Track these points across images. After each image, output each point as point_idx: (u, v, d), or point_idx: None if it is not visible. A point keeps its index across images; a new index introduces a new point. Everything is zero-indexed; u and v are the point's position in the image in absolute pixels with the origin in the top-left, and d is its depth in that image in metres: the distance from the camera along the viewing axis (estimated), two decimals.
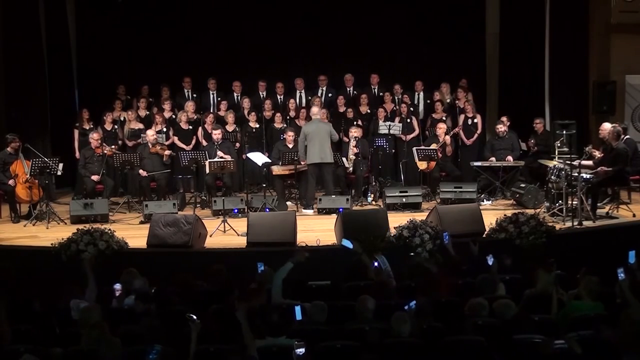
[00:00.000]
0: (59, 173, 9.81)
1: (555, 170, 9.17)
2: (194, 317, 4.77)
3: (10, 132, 10.08)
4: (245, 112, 11.47)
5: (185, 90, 12.04)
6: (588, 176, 8.87)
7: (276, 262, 6.36)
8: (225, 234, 8.73)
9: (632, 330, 4.47)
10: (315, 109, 10.39)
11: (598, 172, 8.95)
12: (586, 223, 8.65)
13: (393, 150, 11.46)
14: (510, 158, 10.73)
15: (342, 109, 11.70)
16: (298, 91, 12.12)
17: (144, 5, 12.24)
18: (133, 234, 8.34)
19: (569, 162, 8.78)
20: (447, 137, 10.86)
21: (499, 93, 12.76)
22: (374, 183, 10.87)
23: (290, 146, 10.46)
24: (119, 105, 11.56)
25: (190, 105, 11.42)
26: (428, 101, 12.04)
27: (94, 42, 12.31)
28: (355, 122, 11.23)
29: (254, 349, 4.75)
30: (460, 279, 6.51)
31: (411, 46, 12.56)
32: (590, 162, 9.26)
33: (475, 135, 11.40)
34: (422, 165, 10.64)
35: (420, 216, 8.23)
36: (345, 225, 7.82)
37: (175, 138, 11.15)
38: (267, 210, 9.48)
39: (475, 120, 11.44)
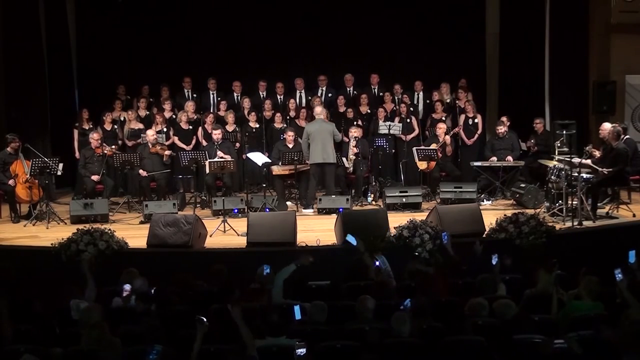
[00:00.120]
0: (59, 173, 9.81)
1: (555, 170, 9.17)
2: (204, 319, 4.76)
3: (10, 132, 10.07)
4: (245, 112, 11.48)
5: (185, 90, 12.04)
6: (588, 176, 8.87)
7: (276, 262, 6.36)
8: (225, 234, 8.73)
9: (632, 330, 4.47)
10: (318, 109, 10.38)
11: (598, 173, 8.95)
12: (586, 223, 8.65)
13: (393, 150, 11.47)
14: (510, 158, 10.73)
15: (342, 109, 11.70)
16: (298, 91, 12.12)
17: (144, 5, 12.24)
18: (133, 234, 8.34)
19: (568, 159, 8.78)
20: (447, 137, 10.86)
21: (499, 93, 12.76)
22: (374, 183, 10.87)
23: (290, 146, 10.46)
24: (119, 105, 11.57)
25: (190, 105, 11.43)
26: (427, 101, 12.04)
27: (94, 42, 12.31)
28: (355, 122, 11.23)
29: (254, 349, 4.75)
30: (460, 279, 6.51)
31: (411, 46, 12.56)
32: (589, 162, 9.26)
33: (476, 136, 11.40)
34: (422, 165, 10.64)
35: (420, 216, 8.23)
36: (345, 225, 7.81)
37: (176, 138, 11.15)
38: (267, 210, 9.48)
39: (476, 121, 11.45)
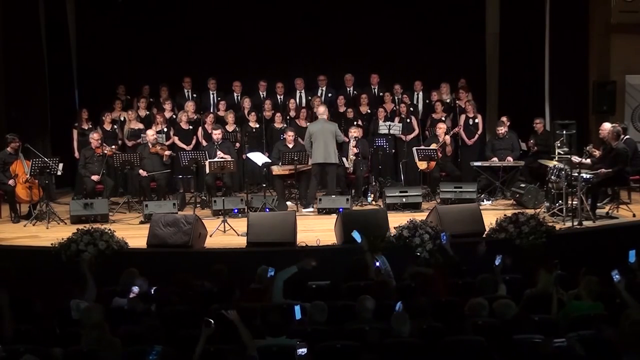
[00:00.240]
0: (59, 173, 9.81)
1: (555, 170, 9.17)
2: (212, 321, 4.75)
3: (10, 132, 10.07)
4: (246, 112, 11.48)
5: (185, 90, 12.05)
6: (588, 176, 8.87)
7: (276, 262, 6.36)
8: (225, 234, 8.73)
9: (632, 330, 4.47)
10: (321, 109, 10.39)
11: (598, 173, 8.95)
12: (586, 223, 8.65)
13: (393, 150, 11.47)
14: (510, 158, 10.73)
15: (342, 109, 11.70)
16: (298, 91, 12.12)
17: (144, 5, 12.23)
18: (133, 234, 8.34)
19: (567, 158, 8.80)
20: (447, 137, 10.86)
21: (499, 93, 12.76)
22: (374, 183, 10.87)
23: (290, 146, 10.46)
24: (118, 105, 11.57)
25: (190, 105, 11.43)
26: (427, 101, 12.05)
27: (94, 42, 12.31)
28: (355, 122, 11.23)
29: (254, 349, 4.75)
30: (460, 279, 6.52)
31: (411, 46, 12.56)
32: (588, 161, 9.27)
33: (476, 136, 11.40)
34: (422, 165, 10.64)
35: (420, 216, 8.23)
36: (345, 225, 7.81)
37: (176, 138, 11.15)
38: (267, 210, 9.48)
39: (477, 121, 11.45)
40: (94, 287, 6.28)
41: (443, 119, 11.43)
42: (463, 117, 11.48)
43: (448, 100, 11.92)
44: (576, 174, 8.67)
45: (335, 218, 8.41)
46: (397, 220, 8.01)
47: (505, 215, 8.03)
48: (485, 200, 10.44)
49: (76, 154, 11.01)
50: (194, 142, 11.24)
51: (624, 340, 4.53)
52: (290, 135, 10.54)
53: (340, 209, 9.30)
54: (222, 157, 10.15)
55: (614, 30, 11.67)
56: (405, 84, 12.13)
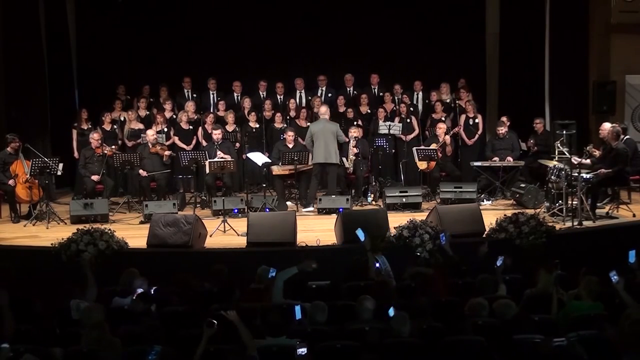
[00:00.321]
0: (59, 173, 9.81)
1: (555, 170, 9.17)
2: (215, 322, 4.75)
3: (10, 132, 10.08)
4: (246, 112, 11.48)
5: (185, 90, 12.05)
6: (588, 176, 8.87)
7: (276, 262, 6.36)
8: (225, 234, 8.73)
9: (632, 330, 4.47)
10: (323, 109, 10.40)
11: (598, 173, 8.95)
12: (586, 223, 8.65)
13: (393, 150, 11.48)
14: (510, 158, 10.73)
15: (342, 109, 11.71)
16: (298, 91, 12.13)
17: (144, 5, 12.23)
18: (133, 234, 8.34)
19: (567, 158, 8.79)
20: (447, 137, 10.86)
21: (499, 93, 12.76)
22: (374, 183, 10.87)
23: (290, 146, 10.46)
24: (118, 105, 11.57)
25: (190, 105, 11.43)
26: (427, 101, 12.05)
27: (94, 42, 12.31)
28: (355, 122, 11.23)
29: (254, 349, 4.75)
30: (460, 279, 6.52)
31: (411, 46, 12.56)
32: (588, 162, 9.27)
33: (476, 136, 11.41)
34: (422, 165, 10.64)
35: (420, 216, 8.23)
36: (345, 225, 7.82)
37: (176, 138, 11.15)
38: (267, 210, 9.48)
39: (477, 121, 11.45)
40: (94, 287, 6.28)
41: (443, 119, 11.43)
42: (463, 117, 11.48)
43: (448, 100, 11.92)
44: (576, 174, 8.67)
45: (335, 218, 8.41)
46: (397, 220, 8.01)
47: (505, 215, 8.03)
48: (485, 200, 10.44)
49: (75, 154, 11.02)
50: (194, 142, 11.23)
51: (624, 340, 4.53)
52: (290, 135, 10.54)
53: (340, 209, 9.30)
54: (222, 157, 10.15)
55: (614, 30, 11.67)
56: (405, 84, 12.13)
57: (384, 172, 11.23)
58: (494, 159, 10.78)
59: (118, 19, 12.19)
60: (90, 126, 11.12)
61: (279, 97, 12.02)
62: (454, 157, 11.39)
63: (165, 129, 11.02)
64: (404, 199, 9.98)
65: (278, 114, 11.45)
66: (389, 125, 11.22)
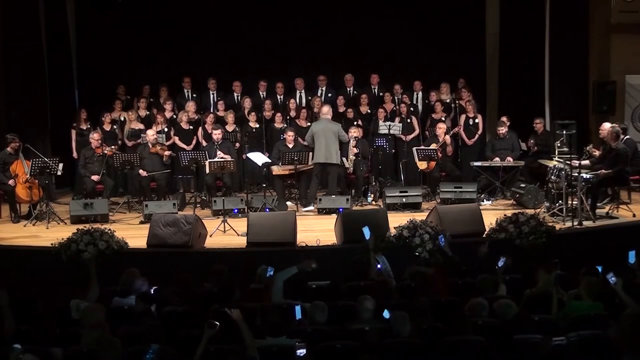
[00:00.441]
0: (59, 173, 9.80)
1: (555, 170, 9.17)
2: (217, 323, 4.75)
3: (10, 132, 10.07)
4: (246, 112, 11.48)
5: (185, 90, 12.05)
6: (588, 176, 8.87)
7: (276, 262, 6.36)
8: (225, 234, 8.73)
9: (632, 330, 4.47)
10: (325, 108, 10.39)
11: (598, 173, 8.94)
12: (586, 223, 8.65)
13: (393, 150, 11.48)
14: (510, 158, 10.73)
15: (342, 109, 11.70)
16: (298, 91, 12.13)
17: (144, 5, 12.24)
18: (133, 234, 8.33)
19: (568, 161, 8.79)
20: (448, 137, 10.86)
21: (499, 93, 12.76)
22: (374, 183, 10.87)
23: (290, 146, 10.47)
24: (118, 105, 11.57)
25: (191, 105, 11.43)
26: (426, 101, 12.05)
27: (94, 42, 12.30)
28: (355, 122, 11.23)
29: (254, 349, 4.75)
30: (460, 279, 6.52)
31: (411, 46, 12.56)
32: (587, 162, 9.27)
33: (476, 136, 11.41)
34: (422, 165, 10.64)
35: (420, 216, 8.22)
36: (345, 225, 7.82)
37: (176, 138, 11.15)
38: (267, 210, 9.48)
39: (477, 121, 11.45)
40: (97, 287, 6.28)
41: (443, 119, 11.43)
42: (463, 117, 11.48)
43: (448, 100, 11.91)
44: (576, 174, 8.67)
45: (335, 218, 8.41)
46: (397, 220, 8.01)
47: (505, 215, 8.02)
48: (485, 200, 10.44)
49: (74, 154, 11.02)
50: (194, 142, 11.23)
51: (624, 341, 4.53)
52: (290, 135, 10.54)
53: (340, 209, 9.30)
54: (222, 157, 10.15)
55: (614, 30, 11.67)
56: (405, 84, 12.13)
57: (384, 172, 11.23)
58: (494, 159, 10.78)
59: (118, 19, 12.18)
60: (89, 126, 11.12)
61: (279, 97, 12.02)
62: (454, 157, 11.39)
63: (166, 129, 11.02)
64: (404, 199, 9.98)
65: (278, 114, 11.45)
66: (389, 125, 11.22)
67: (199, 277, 6.47)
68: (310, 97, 11.97)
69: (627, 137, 9.68)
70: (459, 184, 10.33)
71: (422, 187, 10.57)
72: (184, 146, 11.07)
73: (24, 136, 9.91)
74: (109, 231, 7.61)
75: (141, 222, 9.37)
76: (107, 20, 12.17)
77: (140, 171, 10.21)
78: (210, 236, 8.44)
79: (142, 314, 5.59)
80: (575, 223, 8.50)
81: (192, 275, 6.37)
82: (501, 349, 4.89)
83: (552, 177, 9.21)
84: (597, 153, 9.54)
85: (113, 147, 10.69)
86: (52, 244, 7.53)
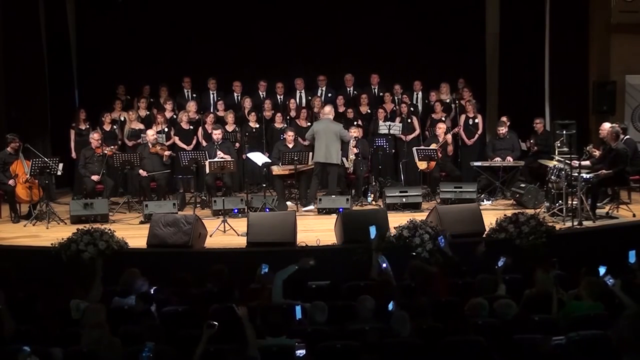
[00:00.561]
0: (59, 173, 9.81)
1: (555, 170, 9.17)
2: (216, 323, 4.75)
3: (10, 132, 10.07)
4: (246, 112, 11.48)
5: (185, 90, 12.05)
6: (588, 176, 8.87)
7: (276, 262, 6.36)
8: (225, 234, 8.73)
9: (632, 330, 4.47)
10: (327, 108, 10.40)
11: (599, 174, 8.94)
12: (586, 223, 8.65)
13: (393, 150, 11.48)
14: (510, 158, 10.73)
15: (342, 109, 11.70)
16: (298, 91, 12.13)
17: (144, 5, 12.24)
18: (133, 234, 8.33)
19: (568, 162, 8.79)
20: (448, 137, 10.86)
21: (499, 93, 12.75)
22: (374, 183, 10.88)
23: (290, 146, 10.47)
24: (118, 105, 11.56)
25: (191, 105, 11.43)
26: (426, 101, 12.05)
27: (94, 42, 12.30)
28: (355, 122, 11.23)
29: (255, 349, 4.75)
30: (460, 279, 6.52)
31: (411, 46, 12.55)
32: (587, 162, 9.27)
33: (476, 136, 11.41)
34: (422, 165, 10.64)
35: (420, 216, 8.22)
36: (345, 225, 7.82)
37: (176, 138, 11.15)
38: (267, 210, 9.48)
39: (477, 121, 11.45)
40: (100, 287, 6.28)
41: (443, 119, 11.43)
42: (463, 117, 11.48)
43: (448, 100, 11.92)
44: (576, 174, 8.67)
45: (335, 218, 8.41)
46: (397, 220, 8.00)
47: (505, 215, 8.02)
48: (485, 200, 10.44)
49: (73, 154, 11.01)
50: (194, 142, 11.23)
51: (623, 340, 4.53)
52: (290, 135, 10.55)
53: (340, 209, 9.30)
54: (222, 157, 10.15)
55: (614, 30, 11.67)
56: (405, 84, 12.14)
57: (384, 172, 11.23)
58: (495, 159, 10.78)
59: (118, 19, 12.18)
60: (88, 126, 11.12)
61: (279, 97, 12.02)
62: (454, 157, 11.39)
63: (166, 129, 11.02)
64: (404, 199, 9.98)
65: (278, 114, 11.45)
66: (389, 125, 11.22)
67: (199, 277, 6.46)
68: (310, 97, 11.97)
69: (627, 137, 9.68)
70: (459, 184, 10.33)
71: (422, 187, 10.57)
72: (184, 146, 11.08)
73: (24, 136, 9.91)
74: (109, 231, 7.61)
75: (141, 222, 9.37)
76: (107, 20, 12.16)
77: (140, 171, 10.21)
78: (210, 236, 8.44)
79: (142, 314, 5.59)
80: (575, 223, 8.50)
81: (192, 275, 6.37)
82: (501, 349, 4.89)
83: (552, 177, 9.20)
84: (597, 153, 9.54)
85: (113, 147, 10.68)
86: (52, 244, 7.53)
